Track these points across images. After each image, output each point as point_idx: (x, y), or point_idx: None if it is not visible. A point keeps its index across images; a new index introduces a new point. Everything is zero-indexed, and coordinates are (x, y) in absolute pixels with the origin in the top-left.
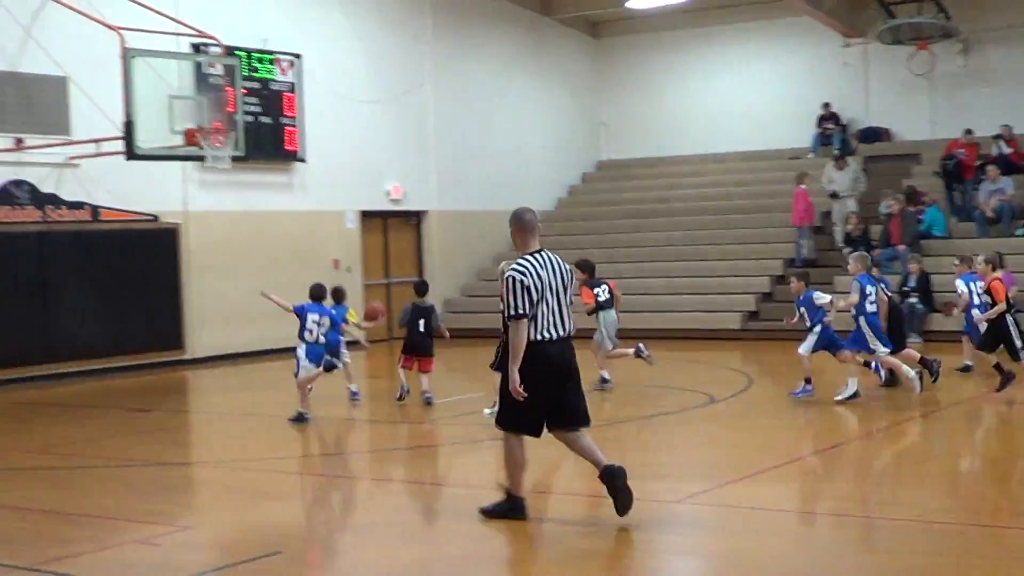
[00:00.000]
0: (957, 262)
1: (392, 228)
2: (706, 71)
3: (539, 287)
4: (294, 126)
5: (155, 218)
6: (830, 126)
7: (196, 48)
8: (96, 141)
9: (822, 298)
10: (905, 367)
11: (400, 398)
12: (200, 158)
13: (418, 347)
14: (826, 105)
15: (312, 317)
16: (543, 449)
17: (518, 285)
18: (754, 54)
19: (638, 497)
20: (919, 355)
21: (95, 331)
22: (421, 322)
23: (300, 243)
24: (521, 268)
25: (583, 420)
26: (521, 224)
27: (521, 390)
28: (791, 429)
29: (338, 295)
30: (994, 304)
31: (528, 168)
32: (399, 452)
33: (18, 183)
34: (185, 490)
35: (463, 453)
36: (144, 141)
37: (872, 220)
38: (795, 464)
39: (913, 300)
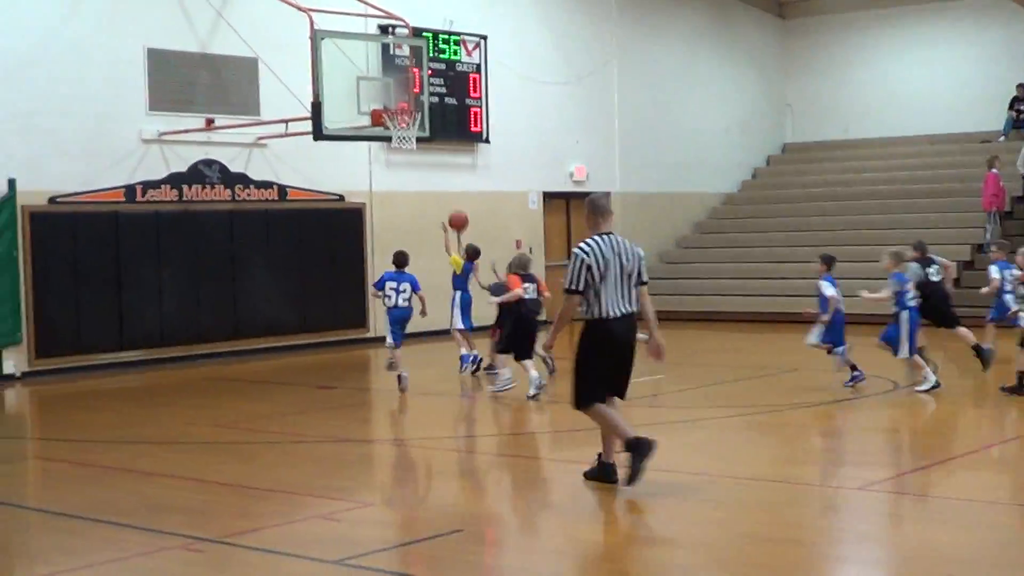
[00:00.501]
0: (995, 248)
1: (575, 209)
2: (894, 52)
3: (601, 267)
4: (479, 107)
5: (341, 198)
6: (1023, 107)
7: (383, 30)
8: (284, 121)
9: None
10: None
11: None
12: (386, 139)
13: None
14: (1021, 86)
15: (390, 284)
16: (714, 434)
17: (579, 263)
18: (944, 34)
19: (819, 483)
20: (974, 340)
21: (281, 309)
22: None
23: (483, 223)
24: (586, 248)
25: (624, 393)
26: (595, 208)
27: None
28: (978, 416)
29: (473, 253)
30: None
31: (712, 150)
32: (575, 433)
33: (208, 163)
34: (366, 466)
35: (644, 434)
36: (331, 122)
37: None
38: (982, 453)
39: None
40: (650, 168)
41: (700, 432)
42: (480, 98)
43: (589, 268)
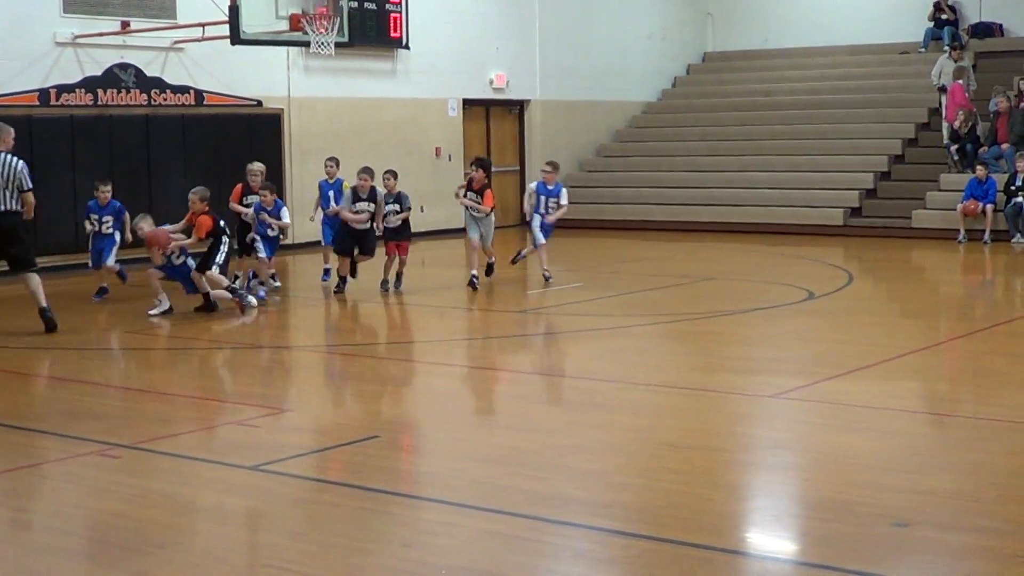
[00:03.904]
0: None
1: (494, 117)
2: None
3: None
4: (399, 12)
5: (259, 103)
6: (943, 17)
7: None
8: (202, 25)
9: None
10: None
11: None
12: (305, 44)
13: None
14: None
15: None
16: (632, 342)
17: None
18: None
19: (735, 391)
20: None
21: None
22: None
23: (402, 131)
24: None
25: (22, 267)
26: None
27: None
28: (891, 327)
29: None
30: None
31: (632, 58)
32: (498, 340)
33: (124, 66)
34: (284, 373)
35: (563, 342)
36: (249, 26)
37: (983, 117)
38: (894, 362)
39: (1020, 200)
40: (571, 76)
41: (618, 340)
42: (400, 3)
43: None
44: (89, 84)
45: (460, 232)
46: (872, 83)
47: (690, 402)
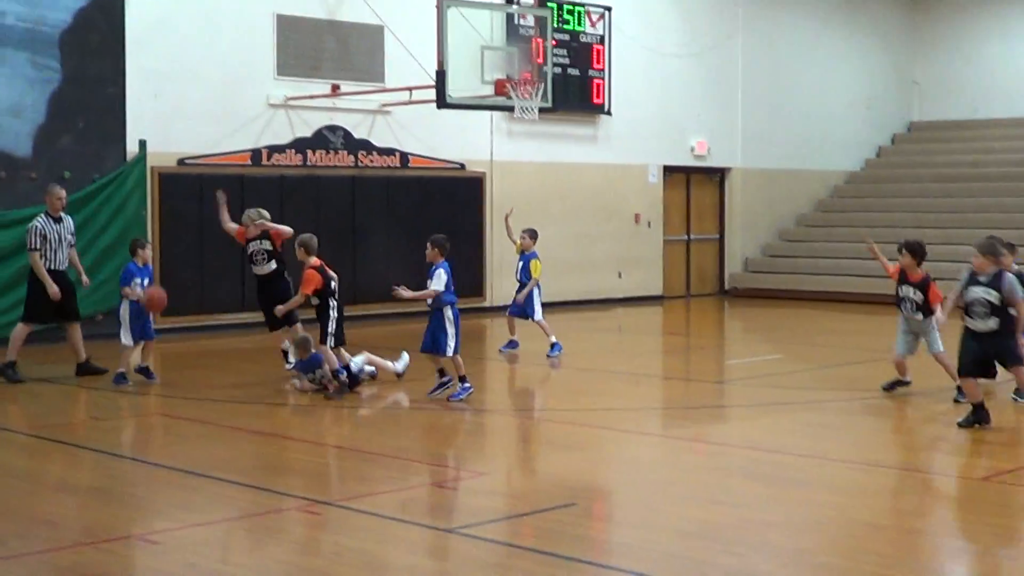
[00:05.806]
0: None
1: (694, 184)
2: None
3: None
4: (601, 78)
5: (462, 166)
6: None
7: None
8: (409, 89)
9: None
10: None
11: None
12: (509, 108)
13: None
14: None
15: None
16: (831, 417)
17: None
18: None
19: (941, 472)
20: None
21: (401, 275)
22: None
23: (602, 196)
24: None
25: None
26: None
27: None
28: None
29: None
30: None
31: (836, 127)
32: (692, 410)
33: (333, 128)
34: (479, 435)
35: (757, 415)
36: (455, 90)
37: None
38: None
39: None
40: (772, 144)
41: (817, 414)
42: (603, 69)
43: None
44: (299, 145)
45: (656, 299)
46: None
47: (892, 481)
